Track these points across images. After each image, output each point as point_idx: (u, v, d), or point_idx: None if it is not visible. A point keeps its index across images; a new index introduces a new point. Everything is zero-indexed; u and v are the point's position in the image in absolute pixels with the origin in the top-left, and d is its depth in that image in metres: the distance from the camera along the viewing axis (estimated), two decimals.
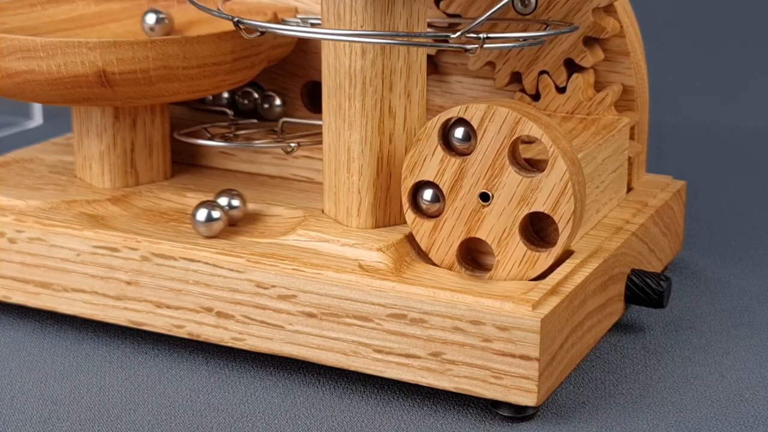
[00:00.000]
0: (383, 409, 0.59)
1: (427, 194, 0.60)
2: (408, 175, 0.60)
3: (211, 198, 0.65)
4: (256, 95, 0.75)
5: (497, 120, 0.58)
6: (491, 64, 0.70)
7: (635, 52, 0.69)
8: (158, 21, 0.74)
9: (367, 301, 0.57)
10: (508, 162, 0.58)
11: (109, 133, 0.69)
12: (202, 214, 0.63)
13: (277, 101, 0.74)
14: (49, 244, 0.64)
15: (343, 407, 0.59)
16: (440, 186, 0.59)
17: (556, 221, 0.58)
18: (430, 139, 0.59)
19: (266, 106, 0.75)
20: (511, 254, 0.58)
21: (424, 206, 0.60)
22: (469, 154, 0.59)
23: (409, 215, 0.60)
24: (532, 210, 0.58)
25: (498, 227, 0.58)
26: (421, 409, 0.59)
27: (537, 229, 0.60)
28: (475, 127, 0.58)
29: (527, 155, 0.59)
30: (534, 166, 0.59)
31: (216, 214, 0.63)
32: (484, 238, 0.59)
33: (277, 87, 0.75)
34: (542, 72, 0.69)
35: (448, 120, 0.59)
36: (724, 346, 0.65)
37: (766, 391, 0.60)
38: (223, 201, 0.64)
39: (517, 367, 0.55)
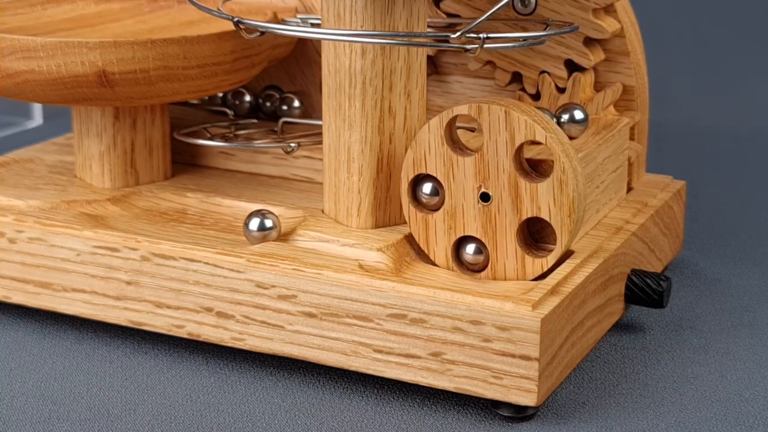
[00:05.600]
0: (383, 409, 0.59)
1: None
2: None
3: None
4: (297, 103, 0.74)
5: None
6: (491, 63, 0.70)
7: (635, 52, 0.69)
8: None
9: (367, 301, 0.57)
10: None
11: (109, 133, 0.69)
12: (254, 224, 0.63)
13: None
14: (49, 244, 0.64)
15: (343, 407, 0.59)
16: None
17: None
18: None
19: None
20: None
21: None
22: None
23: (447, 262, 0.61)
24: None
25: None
26: (421, 409, 0.59)
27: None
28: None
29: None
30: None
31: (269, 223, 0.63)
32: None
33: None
34: (542, 72, 0.69)
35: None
36: (724, 346, 0.65)
37: (766, 391, 0.60)
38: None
39: (517, 367, 0.55)
